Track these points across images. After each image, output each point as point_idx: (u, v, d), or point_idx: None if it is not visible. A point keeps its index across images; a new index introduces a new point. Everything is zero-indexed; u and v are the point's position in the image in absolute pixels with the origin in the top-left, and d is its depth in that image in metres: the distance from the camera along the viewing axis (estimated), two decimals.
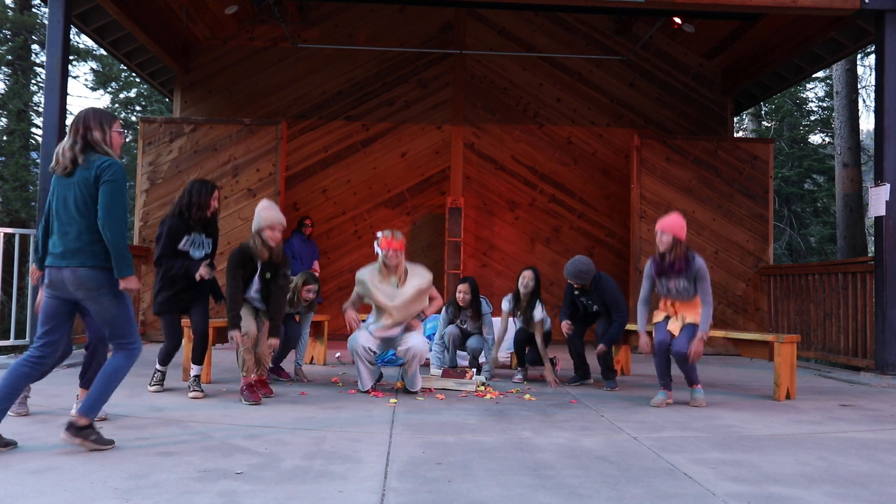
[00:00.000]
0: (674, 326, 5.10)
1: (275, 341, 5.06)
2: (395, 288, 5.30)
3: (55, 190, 3.43)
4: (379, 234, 5.36)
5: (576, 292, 6.00)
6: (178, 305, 5.07)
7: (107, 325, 3.43)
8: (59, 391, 4.94)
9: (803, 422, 4.54)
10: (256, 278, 5.04)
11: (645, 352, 5.23)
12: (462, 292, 6.22)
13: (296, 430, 3.94)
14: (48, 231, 3.49)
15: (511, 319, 6.35)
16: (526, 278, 6.11)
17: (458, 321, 6.36)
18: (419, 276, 5.37)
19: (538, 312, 6.04)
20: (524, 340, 6.24)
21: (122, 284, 3.39)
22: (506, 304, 6.24)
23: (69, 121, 3.87)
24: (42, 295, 3.48)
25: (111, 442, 3.42)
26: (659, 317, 5.23)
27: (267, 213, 4.99)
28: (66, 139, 3.41)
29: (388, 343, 5.47)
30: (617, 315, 5.78)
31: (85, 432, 3.33)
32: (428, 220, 10.18)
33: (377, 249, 5.30)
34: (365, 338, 5.32)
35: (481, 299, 6.30)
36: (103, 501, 2.63)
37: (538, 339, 6.05)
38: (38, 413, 4.19)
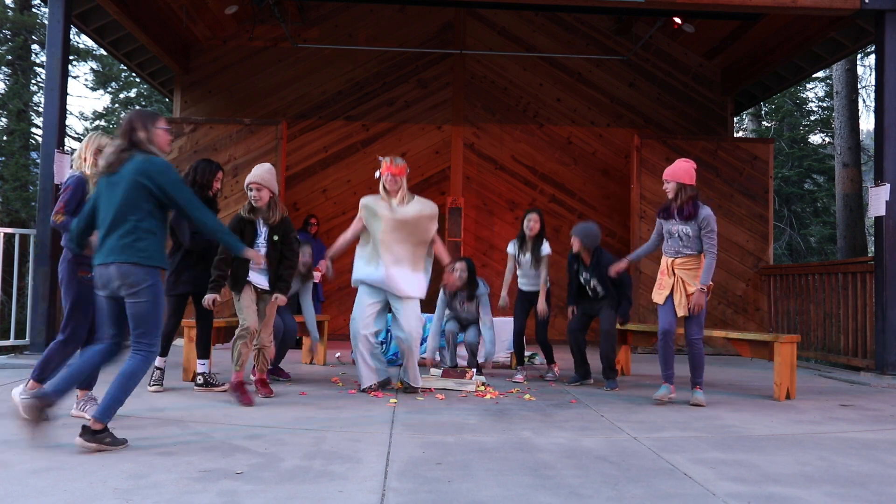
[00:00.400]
0: (680, 306, 5.00)
1: (282, 298, 4.93)
2: (395, 207, 5.17)
3: (101, 189, 3.53)
4: (380, 158, 5.30)
5: (575, 266, 6.01)
6: (194, 287, 5.07)
7: (136, 323, 3.46)
8: None
9: (803, 422, 4.54)
10: (262, 240, 4.91)
11: (615, 270, 5.49)
12: (459, 270, 6.15)
13: (296, 430, 3.94)
14: (89, 227, 3.61)
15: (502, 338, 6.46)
16: (531, 220, 6.16)
17: (457, 302, 6.32)
18: (423, 203, 5.28)
19: (546, 248, 6.15)
20: (523, 326, 6.26)
21: (248, 256, 3.80)
22: (511, 248, 6.28)
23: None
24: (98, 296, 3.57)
25: (124, 441, 3.42)
26: (660, 296, 5.10)
27: (252, 171, 4.96)
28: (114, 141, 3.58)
29: (389, 287, 5.18)
30: (623, 288, 5.83)
31: (100, 436, 3.35)
32: None
33: (377, 174, 5.24)
34: (365, 322, 5.20)
35: (478, 280, 6.30)
36: (103, 501, 2.63)
37: (543, 272, 6.11)
38: None
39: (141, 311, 3.44)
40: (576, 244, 5.88)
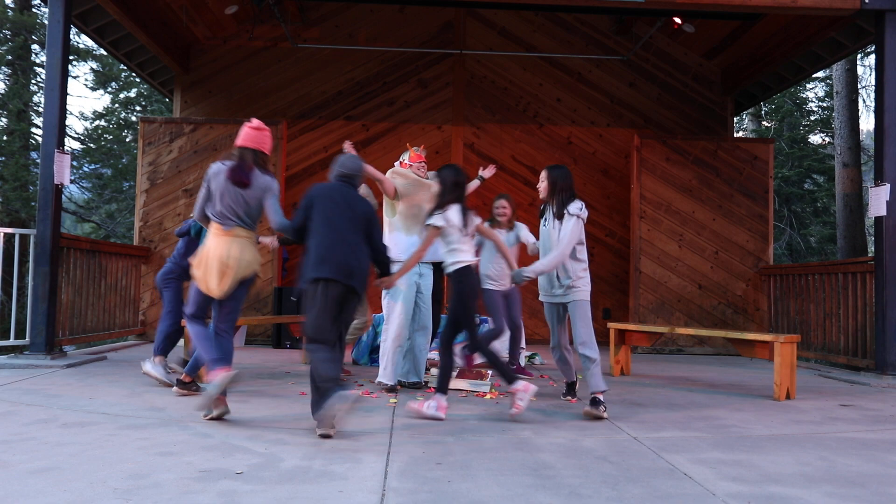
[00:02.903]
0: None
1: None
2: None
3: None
4: (409, 153, 6.08)
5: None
6: None
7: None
8: (59, 391, 4.94)
9: (803, 422, 4.54)
10: None
11: None
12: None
13: (296, 430, 3.94)
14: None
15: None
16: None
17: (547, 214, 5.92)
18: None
19: None
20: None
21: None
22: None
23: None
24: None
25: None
26: None
27: None
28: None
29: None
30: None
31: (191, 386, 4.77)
32: None
33: (407, 160, 6.03)
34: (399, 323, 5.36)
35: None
36: (103, 501, 2.63)
37: None
38: (38, 413, 4.19)
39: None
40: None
